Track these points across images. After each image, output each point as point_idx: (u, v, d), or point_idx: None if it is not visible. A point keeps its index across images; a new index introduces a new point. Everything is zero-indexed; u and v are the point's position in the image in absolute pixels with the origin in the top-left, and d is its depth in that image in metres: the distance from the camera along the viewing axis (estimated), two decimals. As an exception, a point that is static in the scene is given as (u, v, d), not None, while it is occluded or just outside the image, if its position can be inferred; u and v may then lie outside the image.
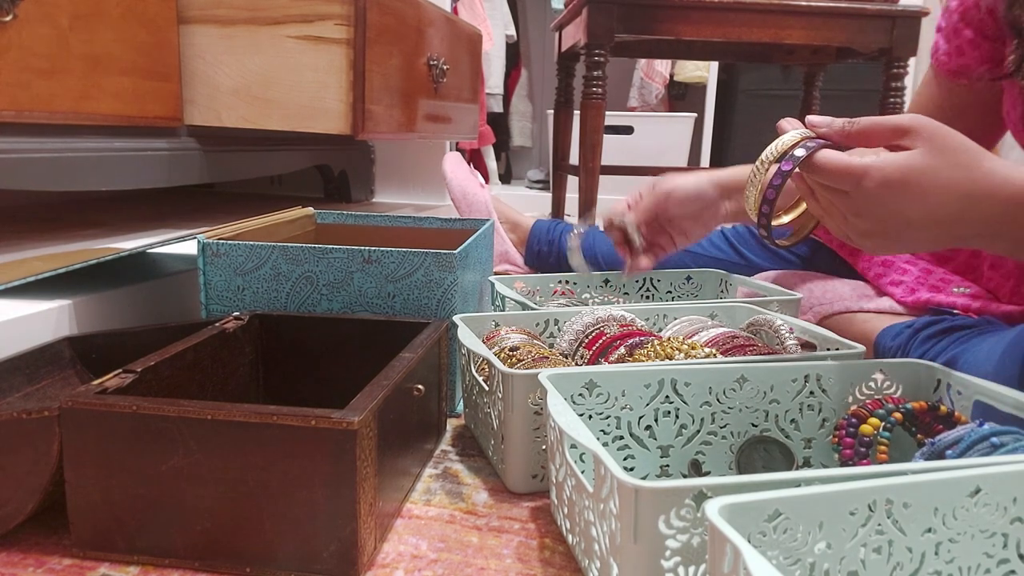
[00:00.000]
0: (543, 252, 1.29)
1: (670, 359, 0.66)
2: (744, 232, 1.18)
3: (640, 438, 0.60)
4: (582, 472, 0.48)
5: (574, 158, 1.59)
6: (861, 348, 0.67)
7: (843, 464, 0.57)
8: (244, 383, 0.69)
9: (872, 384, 0.62)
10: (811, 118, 0.59)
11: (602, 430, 0.59)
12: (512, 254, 1.33)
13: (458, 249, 0.73)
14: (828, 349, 0.70)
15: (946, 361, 0.73)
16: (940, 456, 0.50)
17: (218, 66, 1.06)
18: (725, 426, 0.60)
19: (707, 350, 0.68)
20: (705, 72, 2.84)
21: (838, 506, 0.37)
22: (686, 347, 0.68)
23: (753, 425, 0.61)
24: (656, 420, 0.59)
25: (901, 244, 0.58)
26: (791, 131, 0.58)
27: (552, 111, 1.90)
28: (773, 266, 1.13)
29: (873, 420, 0.56)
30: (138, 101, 0.96)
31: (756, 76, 2.73)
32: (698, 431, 0.60)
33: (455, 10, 2.40)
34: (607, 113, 1.60)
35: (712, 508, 0.34)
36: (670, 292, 1.08)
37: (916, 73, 2.58)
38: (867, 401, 0.59)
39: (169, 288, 0.88)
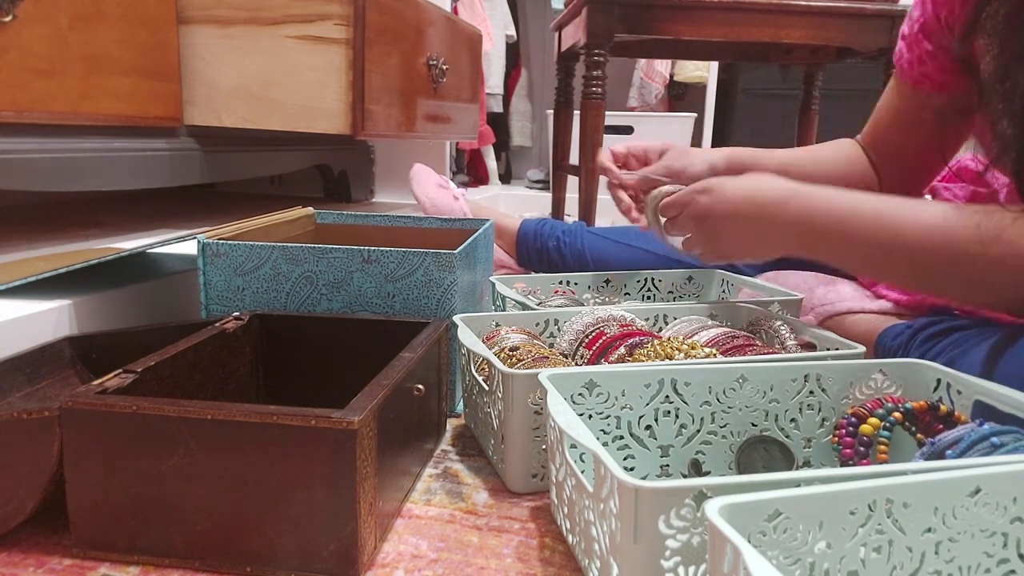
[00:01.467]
0: (533, 259, 1.28)
1: (670, 359, 0.66)
2: None
3: (640, 438, 0.60)
4: (582, 472, 0.48)
5: (574, 158, 1.59)
6: (861, 348, 0.67)
7: (843, 464, 0.57)
8: (244, 383, 0.69)
9: (872, 384, 0.62)
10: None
11: (602, 430, 0.59)
12: (506, 260, 1.33)
13: (458, 249, 0.73)
14: (828, 349, 0.70)
15: (946, 361, 0.73)
16: (940, 456, 0.50)
17: (218, 66, 1.06)
18: (725, 426, 0.60)
19: (707, 350, 0.68)
20: (705, 72, 2.84)
21: (838, 506, 0.37)
22: (686, 347, 0.68)
23: (753, 425, 0.61)
24: (656, 420, 0.59)
25: (727, 256, 0.78)
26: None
27: (552, 111, 1.90)
28: (758, 273, 1.12)
29: (873, 420, 0.56)
30: (138, 101, 0.96)
31: (756, 76, 2.73)
32: (698, 431, 0.60)
33: (455, 10, 2.40)
34: (607, 113, 1.60)
35: (712, 508, 0.34)
36: (671, 292, 1.08)
37: (916, 73, 2.57)
38: (867, 401, 0.59)
39: (169, 288, 0.88)
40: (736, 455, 0.60)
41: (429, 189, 1.36)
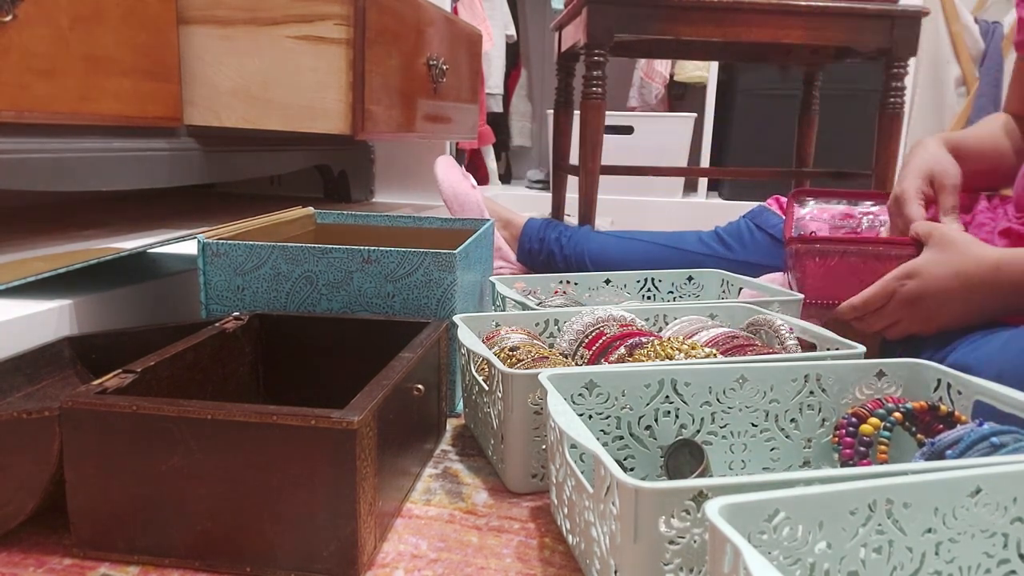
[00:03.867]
0: (534, 250, 1.30)
1: (670, 359, 0.66)
2: (740, 227, 1.19)
3: (640, 438, 0.60)
4: (582, 472, 0.48)
5: (574, 158, 1.59)
6: (861, 348, 0.67)
7: (843, 464, 0.57)
8: (244, 383, 0.69)
9: (872, 384, 0.62)
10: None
11: (602, 430, 0.59)
12: (505, 250, 1.34)
13: (458, 249, 0.73)
14: (828, 349, 0.70)
15: (954, 361, 0.72)
16: (940, 456, 0.50)
17: (218, 66, 1.06)
18: (725, 426, 0.60)
19: (707, 350, 0.68)
20: (705, 72, 2.83)
21: (838, 506, 0.37)
22: (686, 347, 0.67)
23: (753, 425, 0.61)
24: (656, 420, 0.59)
25: (943, 328, 0.78)
26: None
27: (552, 111, 1.90)
28: (766, 261, 1.13)
29: (873, 420, 0.56)
30: (138, 101, 0.96)
31: (756, 76, 2.73)
32: (698, 431, 0.60)
33: (455, 10, 2.40)
34: (607, 113, 1.60)
35: (712, 508, 0.34)
36: (671, 292, 1.08)
37: (916, 73, 2.58)
38: (867, 401, 0.59)
39: (169, 288, 0.88)
40: (664, 460, 0.59)
41: (452, 175, 1.40)
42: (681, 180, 2.83)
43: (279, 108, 1.06)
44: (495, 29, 2.82)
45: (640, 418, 0.59)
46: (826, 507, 0.37)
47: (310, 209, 1.01)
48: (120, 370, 0.54)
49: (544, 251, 1.28)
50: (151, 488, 0.48)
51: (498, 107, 3.03)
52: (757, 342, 0.72)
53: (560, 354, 0.72)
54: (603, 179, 1.51)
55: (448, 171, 1.42)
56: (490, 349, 0.69)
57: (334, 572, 0.47)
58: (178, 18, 1.04)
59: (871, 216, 1.06)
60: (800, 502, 0.36)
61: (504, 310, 0.90)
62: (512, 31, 3.01)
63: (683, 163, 2.77)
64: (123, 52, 0.92)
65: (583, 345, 0.72)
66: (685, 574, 0.41)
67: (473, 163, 3.04)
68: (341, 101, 1.05)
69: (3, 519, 0.50)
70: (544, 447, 0.61)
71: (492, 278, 0.96)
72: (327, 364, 0.71)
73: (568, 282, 1.04)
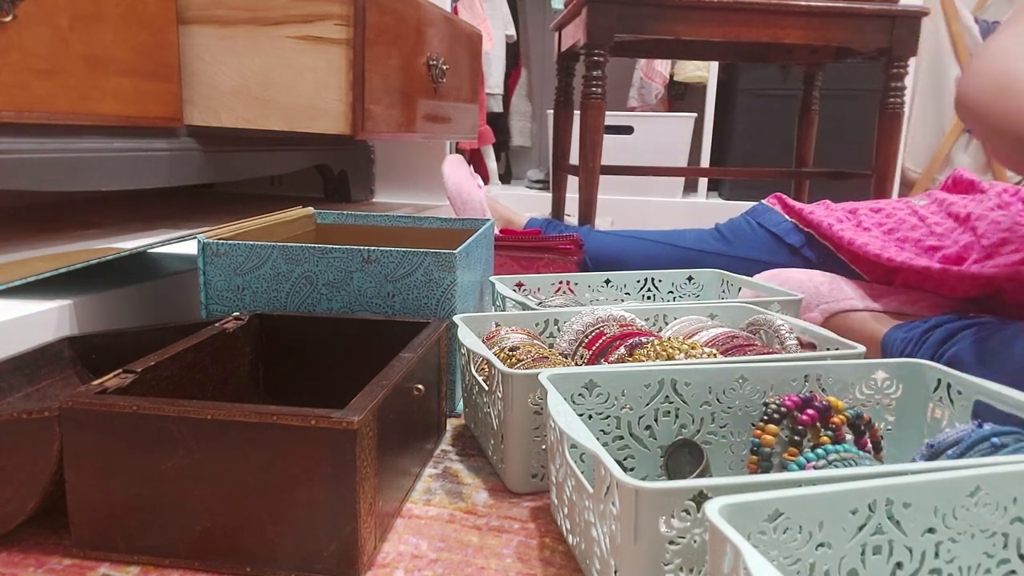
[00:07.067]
0: None
1: (670, 359, 0.66)
2: (741, 224, 1.19)
3: (640, 438, 0.59)
4: (582, 472, 0.48)
5: (574, 158, 1.60)
6: (861, 348, 0.67)
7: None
8: (244, 383, 0.69)
9: (872, 384, 0.62)
10: None
11: (602, 430, 0.59)
12: None
13: (458, 249, 0.73)
14: (828, 349, 0.70)
15: (953, 359, 0.72)
16: (940, 456, 0.50)
17: (218, 66, 1.06)
18: (725, 426, 0.60)
19: (707, 350, 0.68)
20: (705, 72, 2.83)
21: (838, 506, 0.37)
22: (686, 347, 0.67)
23: (753, 425, 0.61)
24: (656, 420, 0.59)
25: None
26: None
27: (552, 111, 1.90)
28: (765, 257, 1.14)
29: (772, 428, 0.54)
30: (138, 101, 0.96)
31: (756, 76, 2.73)
32: (698, 431, 0.60)
33: (455, 10, 2.40)
34: (607, 113, 1.60)
35: (712, 508, 0.34)
36: (671, 292, 1.08)
37: (916, 73, 2.58)
38: (783, 401, 0.56)
39: (169, 288, 0.88)
40: (664, 460, 0.59)
41: (457, 173, 1.43)
42: (681, 180, 2.83)
43: (279, 108, 1.06)
44: (495, 29, 2.82)
45: (640, 418, 0.59)
46: (826, 507, 0.37)
47: (310, 209, 1.01)
48: (120, 370, 0.54)
49: None
50: (151, 488, 0.48)
51: (498, 107, 3.03)
52: (757, 342, 0.72)
53: (560, 354, 0.72)
54: (603, 179, 1.51)
55: (454, 169, 1.44)
56: (490, 349, 0.69)
57: (334, 572, 0.47)
58: (178, 18, 1.04)
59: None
60: (800, 502, 0.36)
61: (504, 310, 0.90)
62: (512, 31, 3.01)
63: (683, 163, 2.78)
64: (123, 52, 0.92)
65: (583, 345, 0.72)
66: (685, 574, 0.41)
67: (473, 163, 3.04)
68: (341, 101, 1.05)
69: (3, 519, 0.50)
70: (544, 447, 0.61)
71: (492, 278, 0.96)
72: (327, 364, 0.71)
73: (568, 282, 1.04)
